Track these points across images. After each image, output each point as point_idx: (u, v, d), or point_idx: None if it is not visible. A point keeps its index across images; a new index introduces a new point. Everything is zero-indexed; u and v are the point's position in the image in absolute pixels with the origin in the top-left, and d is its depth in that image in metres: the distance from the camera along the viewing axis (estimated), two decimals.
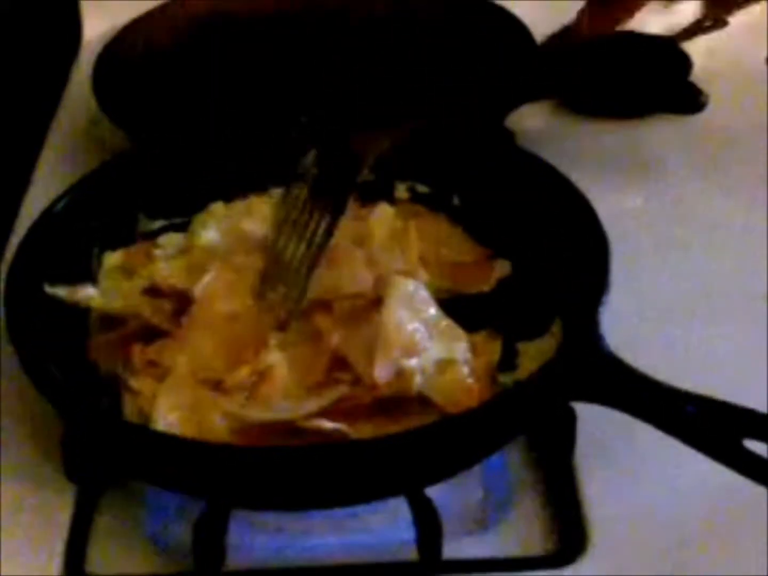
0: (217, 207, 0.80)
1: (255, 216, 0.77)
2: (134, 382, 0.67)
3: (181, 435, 0.64)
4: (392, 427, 0.63)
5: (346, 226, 0.72)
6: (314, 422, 0.63)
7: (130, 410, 0.67)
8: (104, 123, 0.90)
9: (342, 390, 0.66)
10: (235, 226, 0.77)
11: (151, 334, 0.70)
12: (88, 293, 0.72)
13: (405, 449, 0.60)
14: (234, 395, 0.66)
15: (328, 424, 0.63)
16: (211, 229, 0.76)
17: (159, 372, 0.68)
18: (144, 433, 0.64)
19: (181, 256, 0.75)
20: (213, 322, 0.69)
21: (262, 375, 0.66)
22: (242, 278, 0.71)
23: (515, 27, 0.97)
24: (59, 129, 1.01)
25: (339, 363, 0.67)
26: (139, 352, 0.69)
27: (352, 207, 0.75)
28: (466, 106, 0.87)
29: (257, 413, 0.65)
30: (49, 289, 0.71)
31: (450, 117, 0.84)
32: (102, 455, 0.67)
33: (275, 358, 0.67)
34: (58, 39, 1.12)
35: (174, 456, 0.61)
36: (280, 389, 0.66)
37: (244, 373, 0.66)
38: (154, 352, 0.69)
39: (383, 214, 0.78)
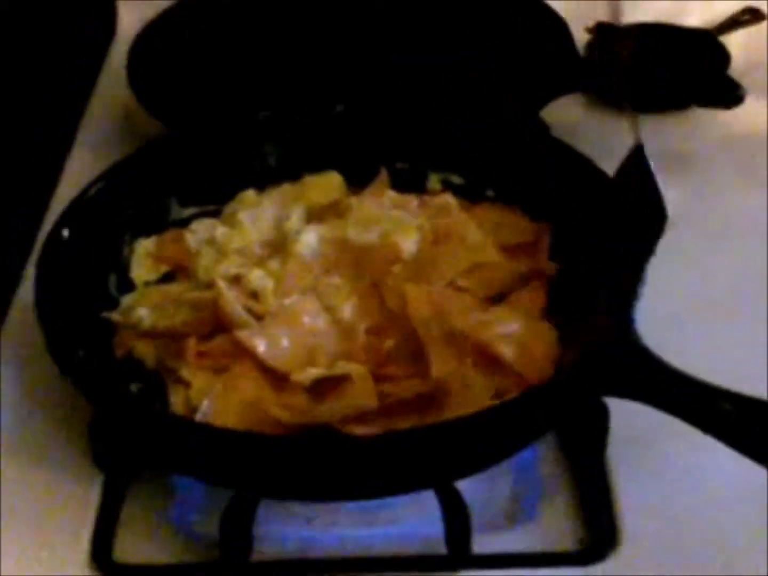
0: (248, 195, 0.80)
1: (358, 219, 0.75)
2: (186, 374, 0.67)
3: (224, 425, 0.64)
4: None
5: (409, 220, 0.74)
6: (349, 427, 0.63)
7: (177, 401, 0.67)
8: (138, 111, 0.90)
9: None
10: (339, 234, 0.74)
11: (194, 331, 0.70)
12: (140, 315, 0.71)
13: (436, 442, 0.59)
14: (295, 393, 0.66)
15: (359, 430, 0.63)
16: (310, 234, 0.74)
17: (213, 364, 0.68)
18: (172, 421, 0.64)
19: (273, 258, 0.74)
20: (294, 326, 0.69)
21: (335, 381, 0.66)
22: (335, 306, 0.71)
23: (551, 18, 0.96)
24: (92, 118, 1.01)
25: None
26: (193, 346, 0.68)
27: (410, 199, 0.78)
28: (502, 98, 0.87)
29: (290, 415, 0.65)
30: (105, 315, 0.72)
31: (487, 108, 0.84)
32: (130, 443, 0.67)
33: (358, 368, 0.66)
34: (92, 26, 1.12)
35: (203, 445, 0.61)
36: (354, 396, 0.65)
37: (314, 373, 0.66)
38: (214, 346, 0.69)
39: (447, 204, 0.77)
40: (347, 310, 0.70)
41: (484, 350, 0.66)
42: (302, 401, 0.66)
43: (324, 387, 0.66)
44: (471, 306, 0.70)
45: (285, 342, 0.68)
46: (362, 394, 0.65)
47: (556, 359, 0.67)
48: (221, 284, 0.70)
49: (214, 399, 0.65)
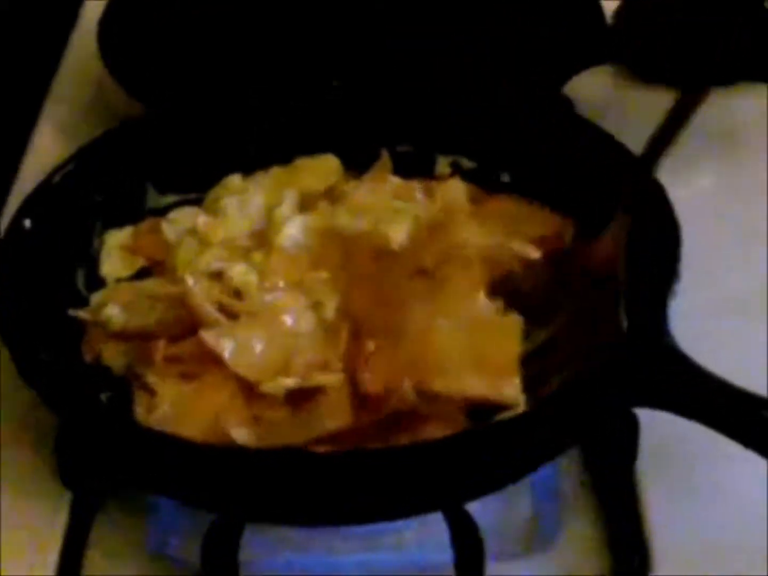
0: (234, 180, 0.77)
1: (350, 207, 0.72)
2: (153, 380, 0.65)
3: (194, 438, 0.61)
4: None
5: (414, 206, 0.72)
6: (320, 448, 0.61)
7: (143, 409, 0.64)
8: (111, 87, 0.88)
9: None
10: (327, 224, 0.71)
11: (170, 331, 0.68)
12: (111, 313, 0.68)
13: (442, 458, 0.57)
14: (270, 404, 0.63)
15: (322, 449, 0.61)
16: (294, 225, 0.71)
17: (183, 370, 0.65)
18: (146, 434, 0.61)
19: (259, 250, 0.71)
20: (272, 327, 0.67)
21: (311, 392, 0.64)
22: (323, 304, 0.68)
23: None
24: (59, 93, 0.98)
25: None
26: (162, 348, 0.65)
27: (414, 185, 0.74)
28: (519, 71, 0.84)
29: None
30: (72, 312, 0.69)
31: (501, 83, 0.82)
32: (100, 457, 0.64)
33: (334, 380, 0.64)
34: None
35: (178, 461, 0.58)
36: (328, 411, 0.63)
37: (287, 383, 0.63)
38: (184, 349, 0.66)
39: (457, 190, 0.74)
40: (332, 308, 0.67)
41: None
42: (278, 413, 0.63)
43: (300, 397, 0.63)
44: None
45: (258, 345, 0.65)
46: (336, 411, 0.62)
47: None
48: (189, 279, 0.67)
49: (180, 409, 0.63)
